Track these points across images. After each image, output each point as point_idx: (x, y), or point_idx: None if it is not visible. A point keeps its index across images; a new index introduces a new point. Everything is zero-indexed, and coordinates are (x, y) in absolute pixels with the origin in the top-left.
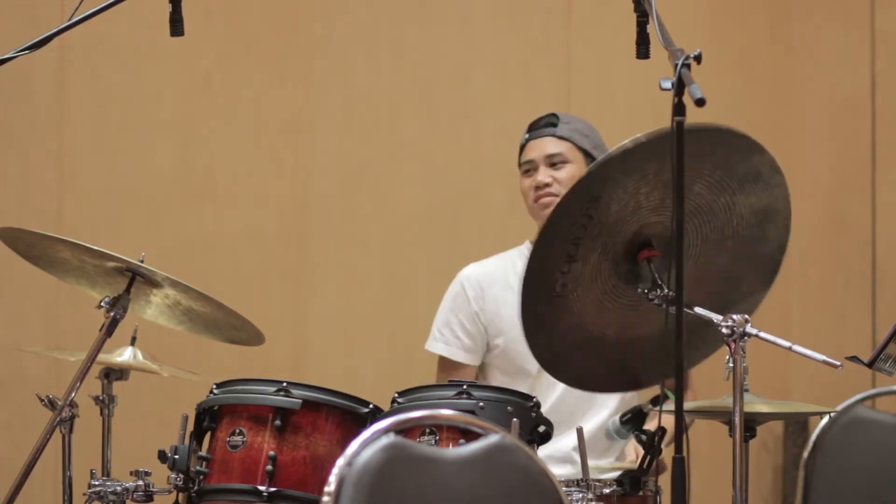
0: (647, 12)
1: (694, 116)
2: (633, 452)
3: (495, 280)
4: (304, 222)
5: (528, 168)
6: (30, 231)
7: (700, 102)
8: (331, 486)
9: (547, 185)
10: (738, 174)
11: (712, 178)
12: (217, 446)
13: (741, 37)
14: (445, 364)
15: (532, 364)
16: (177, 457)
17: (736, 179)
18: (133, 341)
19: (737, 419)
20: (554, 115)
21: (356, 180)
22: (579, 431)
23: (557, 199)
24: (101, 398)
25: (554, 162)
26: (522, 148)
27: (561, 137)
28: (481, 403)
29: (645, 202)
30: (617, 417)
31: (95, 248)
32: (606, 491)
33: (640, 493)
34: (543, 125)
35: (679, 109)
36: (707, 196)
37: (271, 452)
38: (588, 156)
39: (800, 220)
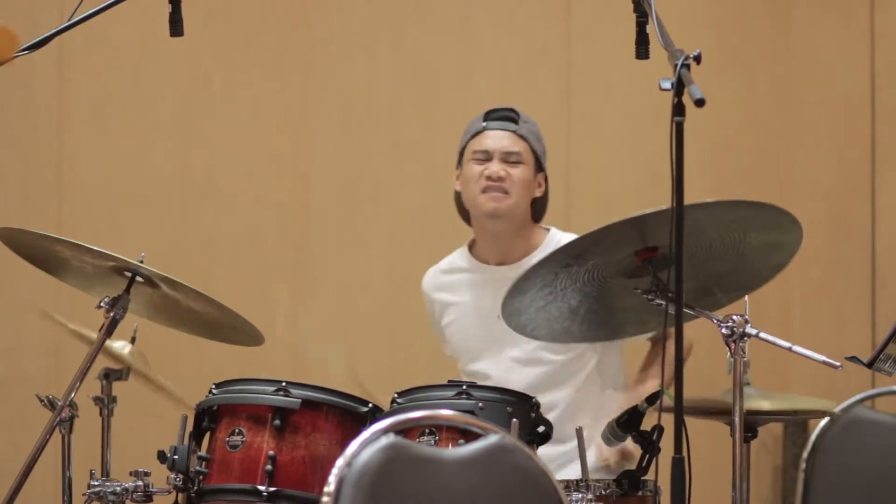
0: (646, 12)
1: (694, 116)
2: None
3: (436, 283)
4: (304, 222)
5: (483, 158)
6: (30, 231)
7: (700, 103)
8: (330, 487)
9: (500, 178)
10: (757, 225)
11: (731, 229)
12: (216, 446)
13: (741, 37)
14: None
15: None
16: (176, 457)
17: (754, 228)
18: (133, 341)
19: (737, 419)
20: (513, 110)
21: (356, 180)
22: (579, 432)
23: (510, 199)
24: (100, 398)
25: (511, 160)
26: (476, 134)
27: (521, 136)
28: (481, 404)
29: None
30: (613, 421)
31: (95, 248)
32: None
33: (640, 493)
34: (504, 118)
35: (679, 110)
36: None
37: (271, 452)
38: (538, 161)
39: (800, 220)
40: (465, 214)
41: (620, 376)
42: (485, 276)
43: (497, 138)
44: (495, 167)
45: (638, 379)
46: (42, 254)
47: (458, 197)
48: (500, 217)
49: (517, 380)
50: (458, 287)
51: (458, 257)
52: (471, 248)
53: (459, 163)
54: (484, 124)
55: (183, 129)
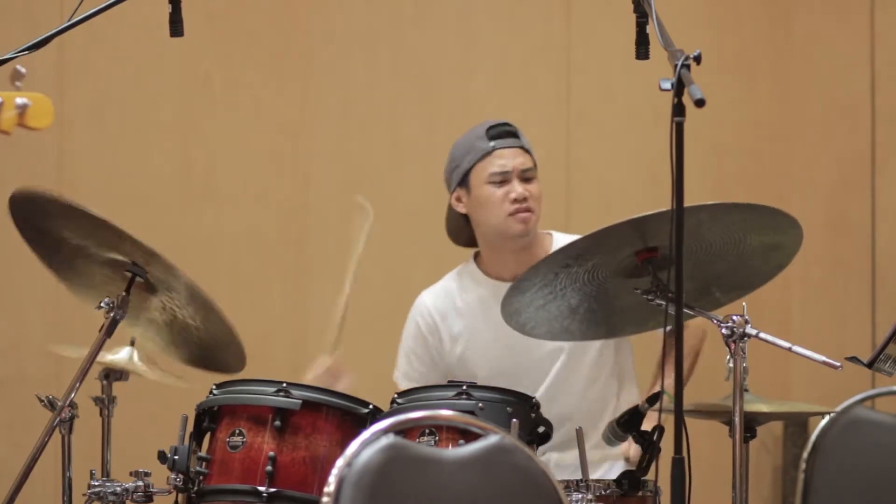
0: (646, 13)
1: (694, 117)
2: None
3: (445, 308)
4: (304, 222)
5: (501, 180)
6: (43, 194)
7: (700, 103)
8: (330, 487)
9: (525, 199)
10: (757, 226)
11: (731, 230)
12: (217, 447)
13: (741, 37)
14: None
15: (480, 370)
16: (176, 457)
17: (754, 230)
18: (133, 342)
19: (737, 419)
20: (509, 123)
21: (356, 180)
22: (579, 432)
23: (534, 217)
24: (100, 398)
25: (526, 177)
26: (486, 155)
27: (526, 150)
28: (481, 404)
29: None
30: (613, 420)
31: (96, 214)
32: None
33: (640, 493)
34: (508, 134)
35: (679, 110)
36: (719, 234)
37: (271, 453)
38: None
39: (800, 220)
40: (463, 235)
41: (633, 378)
42: (503, 292)
43: (510, 157)
44: (519, 188)
45: (657, 375)
46: (48, 228)
47: (457, 218)
48: (527, 235)
49: (550, 383)
50: (474, 310)
51: (465, 278)
52: (478, 265)
53: (461, 184)
54: (492, 144)
55: (183, 129)
